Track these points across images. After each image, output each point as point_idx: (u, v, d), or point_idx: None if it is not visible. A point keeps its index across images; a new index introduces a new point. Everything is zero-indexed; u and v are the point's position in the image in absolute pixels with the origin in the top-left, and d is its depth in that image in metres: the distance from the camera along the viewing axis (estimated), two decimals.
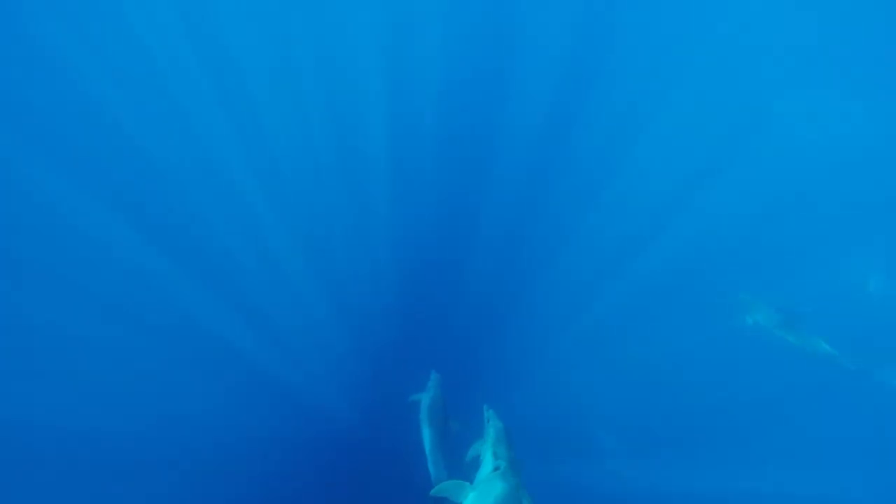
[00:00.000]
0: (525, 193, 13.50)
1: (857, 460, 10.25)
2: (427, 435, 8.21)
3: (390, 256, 12.79)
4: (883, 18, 12.21)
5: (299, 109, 12.96)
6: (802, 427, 10.61)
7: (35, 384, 8.97)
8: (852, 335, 10.12)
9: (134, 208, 11.16)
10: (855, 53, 12.48)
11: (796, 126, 13.00)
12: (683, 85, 13.30)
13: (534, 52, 13.48)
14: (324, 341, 11.72)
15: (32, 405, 8.76)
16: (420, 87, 13.29)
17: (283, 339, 11.32)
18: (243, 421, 9.82)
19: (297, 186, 13.08)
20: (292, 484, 9.53)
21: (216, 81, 12.47)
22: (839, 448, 10.37)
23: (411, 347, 11.25)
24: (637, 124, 13.24)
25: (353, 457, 9.86)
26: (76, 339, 9.65)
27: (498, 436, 6.61)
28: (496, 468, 5.46)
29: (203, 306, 11.11)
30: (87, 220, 10.78)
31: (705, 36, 13.46)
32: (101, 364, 9.62)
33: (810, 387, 10.59)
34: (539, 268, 12.74)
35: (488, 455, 5.67)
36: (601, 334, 11.71)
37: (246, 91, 12.53)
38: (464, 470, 8.49)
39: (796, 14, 12.85)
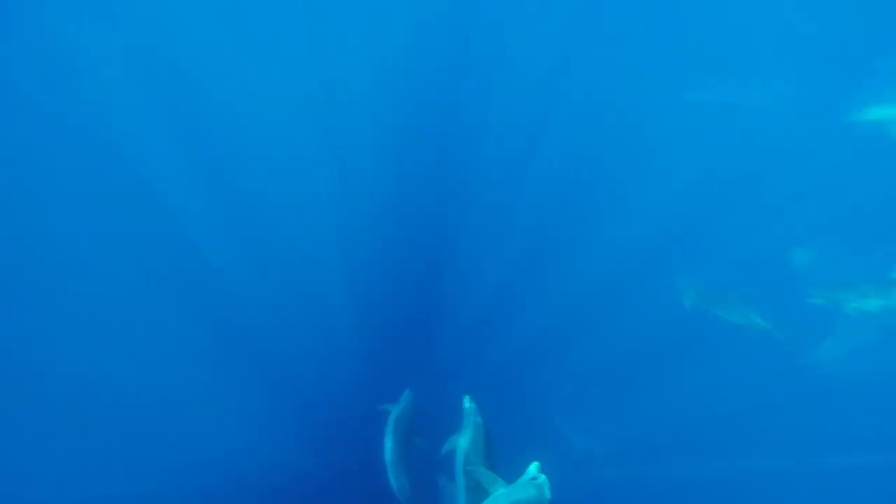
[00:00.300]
0: (499, 195, 13.49)
1: None
2: (388, 446, 8.42)
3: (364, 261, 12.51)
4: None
5: (278, 107, 12.30)
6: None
7: None
8: (782, 309, 10.70)
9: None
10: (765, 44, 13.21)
11: (712, 115, 13.63)
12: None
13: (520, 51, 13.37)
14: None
15: None
16: (404, 85, 12.95)
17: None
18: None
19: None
20: None
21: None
22: None
23: (388, 356, 11.17)
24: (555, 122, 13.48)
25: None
26: None
27: (476, 433, 6.64)
28: (535, 478, 5.83)
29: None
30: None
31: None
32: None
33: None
34: (509, 267, 12.83)
35: (533, 465, 5.99)
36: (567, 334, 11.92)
37: (218, 88, 11.86)
38: (431, 475, 8.64)
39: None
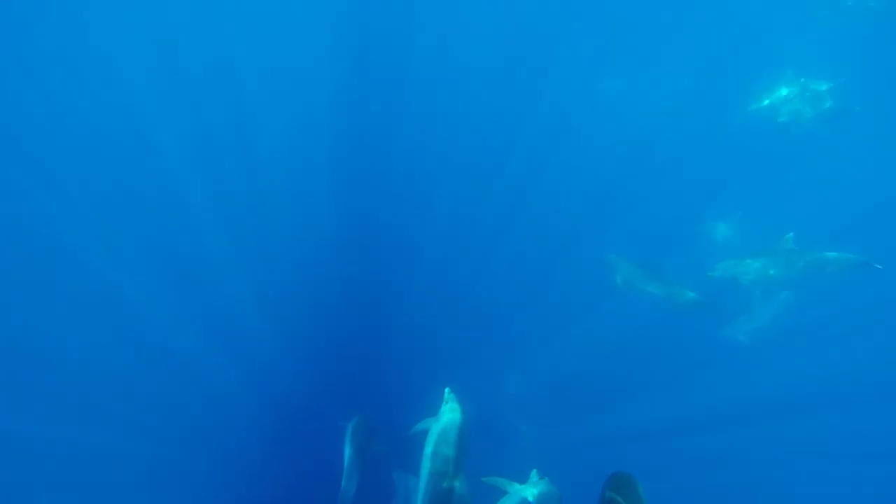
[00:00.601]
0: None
1: None
2: (347, 453, 8.84)
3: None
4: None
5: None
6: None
7: None
8: (708, 282, 11.27)
9: None
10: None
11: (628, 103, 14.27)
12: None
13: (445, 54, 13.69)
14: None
15: None
16: (382, 87, 13.13)
17: None
18: None
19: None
20: None
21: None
22: None
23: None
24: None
25: None
26: None
27: (452, 418, 6.69)
28: (542, 478, 6.46)
29: None
30: None
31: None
32: None
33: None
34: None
35: (533, 472, 6.60)
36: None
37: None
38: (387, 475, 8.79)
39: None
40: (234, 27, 12.06)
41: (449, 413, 6.77)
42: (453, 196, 13.42)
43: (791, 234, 10.46)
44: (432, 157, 13.45)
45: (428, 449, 6.65)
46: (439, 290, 12.52)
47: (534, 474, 6.53)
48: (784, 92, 12.81)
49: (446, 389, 7.05)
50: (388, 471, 9.02)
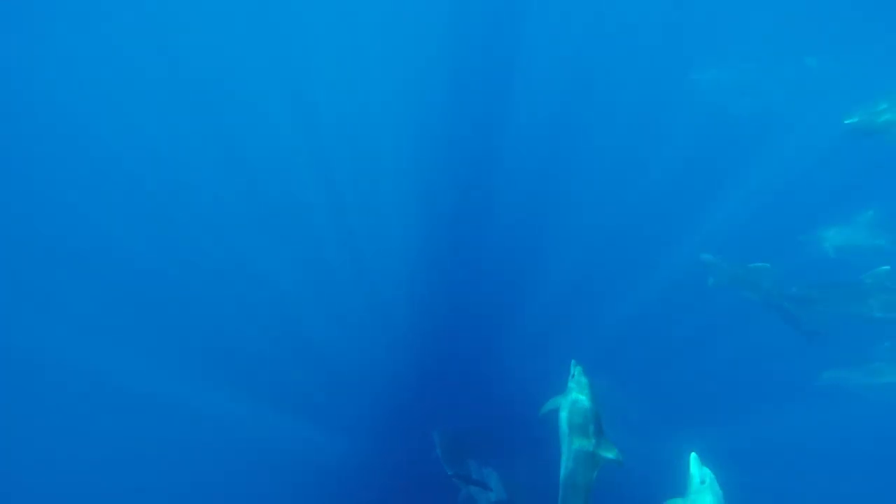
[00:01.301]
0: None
1: None
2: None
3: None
4: None
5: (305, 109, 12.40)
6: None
7: None
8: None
9: None
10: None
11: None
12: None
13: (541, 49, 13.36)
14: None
15: None
16: (426, 87, 13.00)
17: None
18: None
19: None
20: None
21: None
22: None
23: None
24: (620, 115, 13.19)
25: None
26: None
27: (580, 391, 6.59)
28: (702, 481, 6.37)
29: None
30: None
31: None
32: None
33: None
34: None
35: (695, 468, 6.55)
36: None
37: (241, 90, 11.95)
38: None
39: None
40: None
41: (576, 386, 6.66)
42: (542, 192, 13.21)
43: (887, 267, 9.44)
44: (533, 156, 13.22)
45: (563, 423, 6.57)
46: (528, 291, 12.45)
47: (694, 463, 6.63)
48: None
49: (572, 362, 6.89)
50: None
